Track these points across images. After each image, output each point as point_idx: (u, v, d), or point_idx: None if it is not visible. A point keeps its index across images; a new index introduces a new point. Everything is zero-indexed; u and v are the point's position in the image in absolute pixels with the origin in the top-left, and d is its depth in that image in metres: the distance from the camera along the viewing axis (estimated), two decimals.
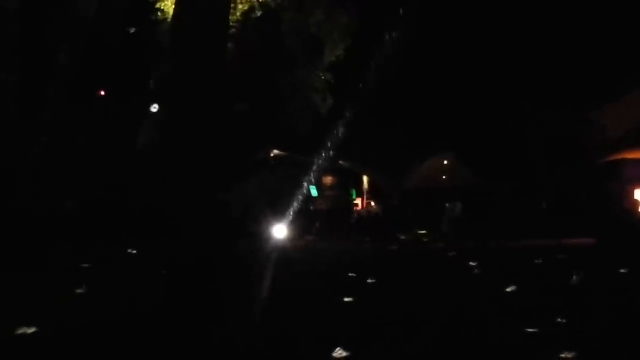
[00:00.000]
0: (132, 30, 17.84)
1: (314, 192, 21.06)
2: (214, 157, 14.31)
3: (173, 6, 17.56)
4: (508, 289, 6.71)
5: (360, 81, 17.79)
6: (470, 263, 9.35)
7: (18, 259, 8.73)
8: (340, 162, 21.02)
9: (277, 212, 16.83)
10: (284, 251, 12.74)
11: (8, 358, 3.90)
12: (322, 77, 19.31)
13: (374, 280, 7.48)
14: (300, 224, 18.18)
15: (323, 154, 18.37)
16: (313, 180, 19.81)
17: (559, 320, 4.94)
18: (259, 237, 14.84)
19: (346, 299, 6.17)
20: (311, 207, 20.58)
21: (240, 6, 17.58)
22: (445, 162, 22.34)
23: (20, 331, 4.29)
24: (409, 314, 5.73)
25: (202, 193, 14.04)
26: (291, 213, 17.01)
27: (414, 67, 21.46)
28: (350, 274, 7.94)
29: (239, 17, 17.17)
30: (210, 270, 8.70)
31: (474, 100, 22.21)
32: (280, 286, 7.28)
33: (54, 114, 16.15)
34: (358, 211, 22.61)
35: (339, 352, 4.04)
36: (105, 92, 19.16)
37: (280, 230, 16.18)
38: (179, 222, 13.00)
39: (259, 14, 18.38)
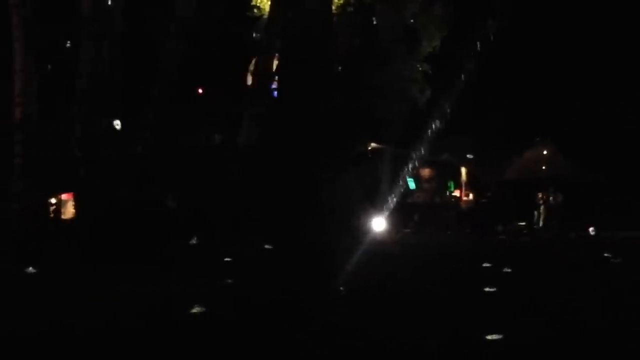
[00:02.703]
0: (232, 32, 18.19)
1: (412, 184, 20.97)
2: (318, 152, 14.47)
3: (269, 3, 17.91)
4: None
5: (458, 72, 17.58)
6: (605, 254, 9.10)
7: (156, 254, 9.01)
8: (438, 154, 20.85)
9: (376, 205, 16.80)
10: (400, 243, 12.73)
11: (185, 332, 4.62)
12: (420, 69, 19.19)
13: (510, 270, 7.41)
14: (399, 217, 18.09)
15: (421, 147, 18.24)
16: (411, 173, 19.72)
17: None
18: (359, 230, 14.82)
19: (487, 289, 6.16)
20: (409, 200, 20.47)
21: (336, 0, 17.65)
22: (545, 152, 21.98)
23: (193, 311, 5.19)
24: (555, 301, 5.66)
25: (305, 189, 14.21)
26: (389, 206, 16.95)
27: (515, 56, 21.11)
28: (484, 265, 7.87)
29: (335, 11, 17.21)
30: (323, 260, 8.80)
31: (574, 89, 21.68)
32: (423, 276, 7.31)
33: (158, 114, 16.51)
34: (456, 203, 22.35)
35: (491, 335, 4.18)
36: (204, 91, 19.51)
37: (379, 223, 16.14)
38: (281, 219, 13.17)
39: (354, 8, 18.42)
